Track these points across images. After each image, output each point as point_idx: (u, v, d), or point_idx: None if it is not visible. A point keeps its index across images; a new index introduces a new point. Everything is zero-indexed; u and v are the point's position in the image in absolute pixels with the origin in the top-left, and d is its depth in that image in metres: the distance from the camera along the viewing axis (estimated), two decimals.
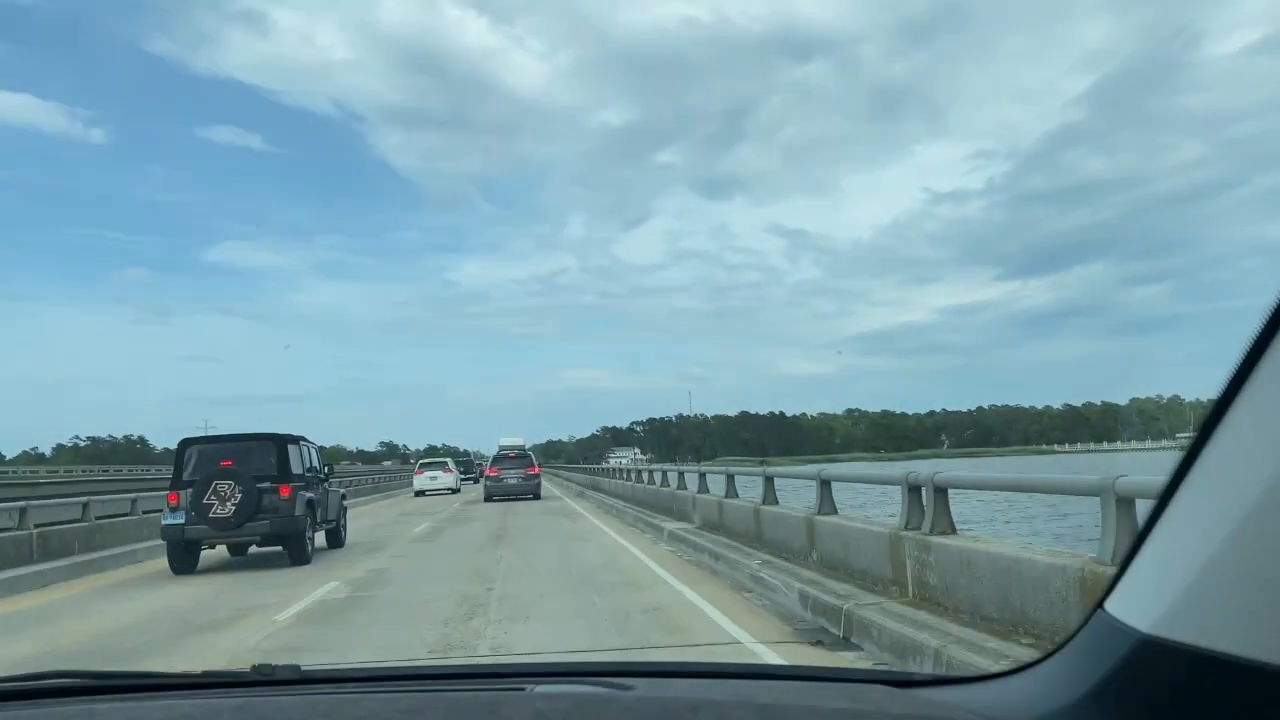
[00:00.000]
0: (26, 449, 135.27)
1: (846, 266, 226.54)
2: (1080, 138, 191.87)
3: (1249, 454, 0.87)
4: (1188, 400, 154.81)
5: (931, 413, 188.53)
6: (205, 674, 1.64)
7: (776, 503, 12.16)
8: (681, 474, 19.94)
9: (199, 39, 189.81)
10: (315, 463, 16.24)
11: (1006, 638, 5.00)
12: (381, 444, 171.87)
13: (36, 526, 14.48)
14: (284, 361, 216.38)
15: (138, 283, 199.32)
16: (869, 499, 25.47)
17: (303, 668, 1.60)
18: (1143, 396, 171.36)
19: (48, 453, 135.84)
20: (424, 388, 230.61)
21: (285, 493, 14.29)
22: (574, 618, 8.46)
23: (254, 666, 1.58)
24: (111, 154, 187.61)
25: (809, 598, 7.60)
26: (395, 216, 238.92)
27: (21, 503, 14.74)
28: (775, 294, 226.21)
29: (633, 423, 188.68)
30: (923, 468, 7.24)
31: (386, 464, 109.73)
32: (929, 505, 6.24)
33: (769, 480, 12.70)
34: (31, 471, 55.13)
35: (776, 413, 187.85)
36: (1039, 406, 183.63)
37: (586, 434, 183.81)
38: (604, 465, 55.06)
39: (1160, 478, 4.50)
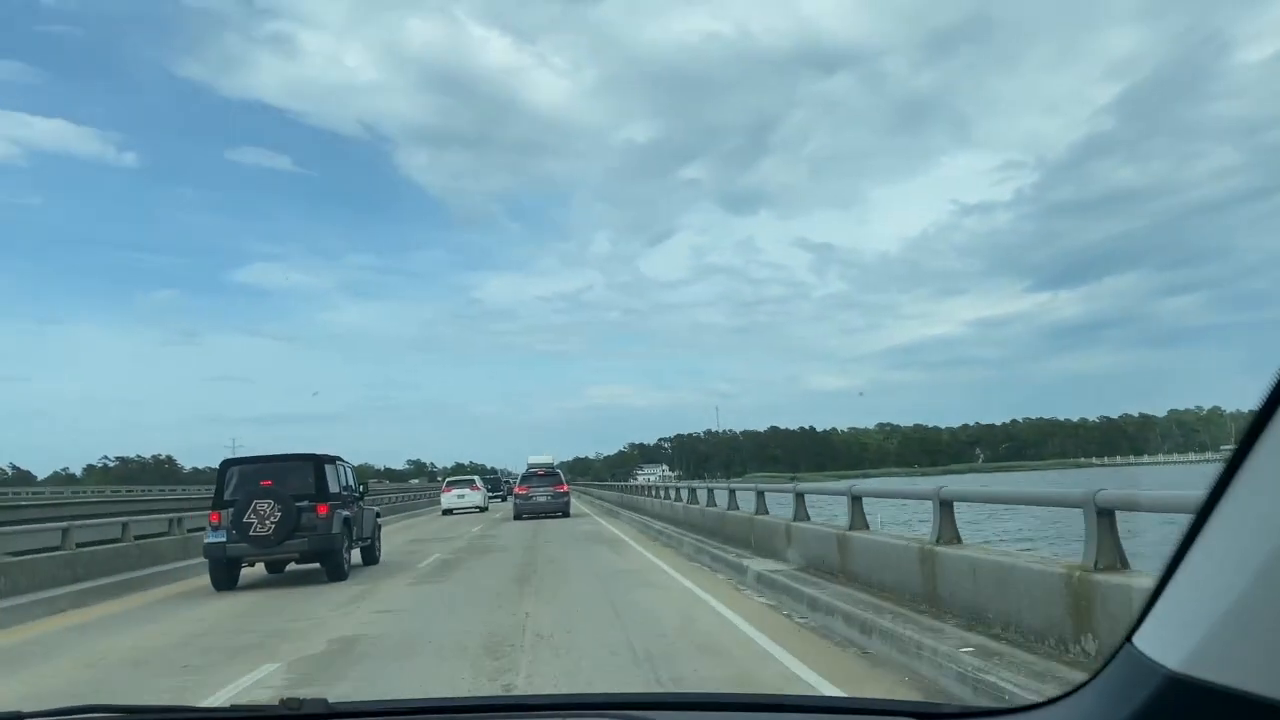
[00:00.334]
0: (57, 469, 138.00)
1: (874, 280, 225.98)
2: (1109, 147, 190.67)
3: None
4: (1229, 411, 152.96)
5: (965, 426, 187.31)
6: (233, 708, 1.74)
7: (864, 528, 9.60)
8: (732, 492, 17.88)
9: (228, 62, 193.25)
10: (351, 482, 16.82)
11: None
12: (409, 462, 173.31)
13: (79, 546, 15.20)
14: (312, 381, 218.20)
15: (168, 304, 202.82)
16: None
17: (330, 701, 1.61)
18: (1181, 408, 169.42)
19: (78, 473, 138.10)
20: (450, 405, 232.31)
21: (323, 511, 14.83)
22: None
23: (282, 700, 1.61)
24: (143, 177, 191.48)
25: None
26: (422, 235, 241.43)
27: (65, 523, 15.42)
28: (802, 308, 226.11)
29: (660, 439, 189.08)
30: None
31: (414, 482, 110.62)
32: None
33: (856, 502, 9.92)
34: (56, 493, 56.25)
35: (807, 427, 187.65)
36: (1074, 419, 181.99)
37: (613, 451, 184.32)
38: (632, 482, 55.24)
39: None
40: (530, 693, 6.44)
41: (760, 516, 14.52)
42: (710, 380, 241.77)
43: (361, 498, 17.26)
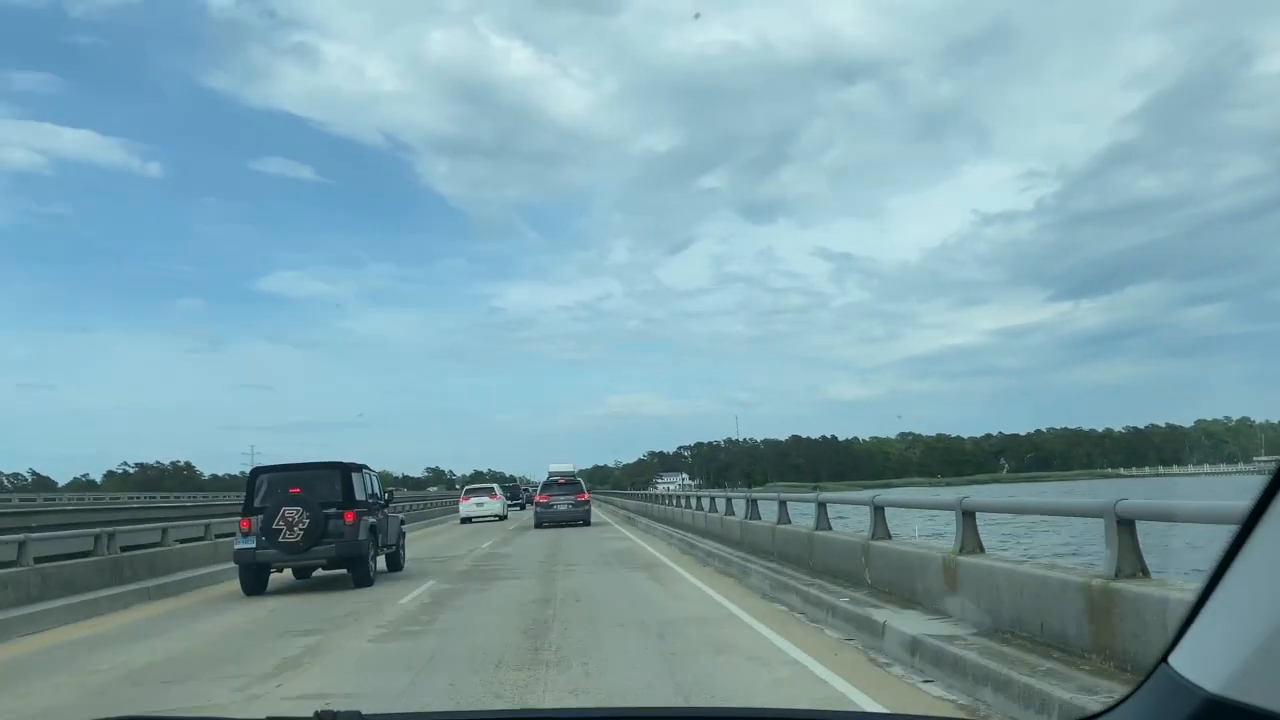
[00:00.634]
0: (77, 476, 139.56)
1: (894, 289, 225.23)
2: (1132, 156, 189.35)
3: None
4: (1258, 422, 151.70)
5: (988, 436, 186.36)
6: (269, 719, 1.78)
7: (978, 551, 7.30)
8: (783, 503, 15.44)
9: (252, 73, 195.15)
10: (376, 489, 17.20)
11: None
12: (428, 469, 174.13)
13: (123, 550, 15.72)
14: (332, 389, 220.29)
15: (192, 312, 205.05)
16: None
17: (364, 713, 1.63)
18: (1208, 418, 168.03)
19: (99, 479, 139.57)
20: (470, 414, 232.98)
21: (350, 518, 15.19)
22: None
23: (316, 713, 1.63)
24: (168, 187, 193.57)
25: None
26: (442, 244, 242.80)
27: (106, 529, 15.87)
28: (821, 317, 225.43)
29: (680, 447, 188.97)
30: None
31: (431, 490, 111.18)
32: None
33: (969, 518, 7.47)
34: (78, 498, 57.07)
35: (828, 436, 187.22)
36: (1099, 429, 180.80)
37: (633, 459, 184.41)
38: (652, 491, 55.27)
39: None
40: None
41: (822, 533, 12.25)
42: (729, 389, 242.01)
43: (386, 505, 17.58)
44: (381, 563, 17.10)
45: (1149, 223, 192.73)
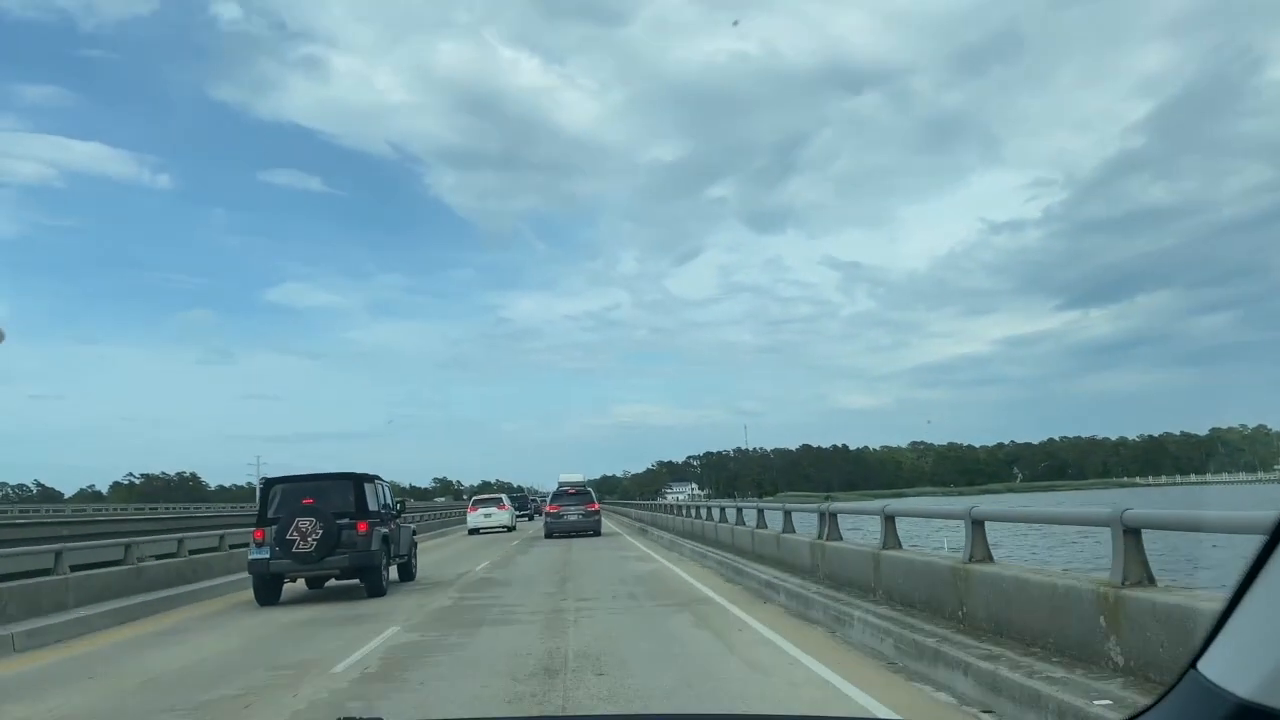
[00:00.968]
0: (83, 487, 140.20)
1: (902, 298, 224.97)
2: (1140, 164, 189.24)
3: None
4: (1275, 430, 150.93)
5: (1000, 445, 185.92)
6: None
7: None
8: (831, 516, 12.77)
9: (261, 85, 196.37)
10: (388, 500, 17.42)
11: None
12: (435, 480, 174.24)
13: (140, 560, 16.04)
14: (340, 399, 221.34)
15: (200, 323, 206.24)
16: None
17: (385, 719, 1.60)
18: (1224, 426, 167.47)
19: (104, 490, 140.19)
20: (477, 424, 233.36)
21: (362, 529, 15.40)
22: None
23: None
24: (177, 199, 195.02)
25: None
26: (450, 255, 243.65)
27: (128, 539, 16.21)
28: (830, 327, 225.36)
29: (689, 457, 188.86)
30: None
31: (439, 500, 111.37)
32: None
33: (1133, 536, 5.76)
34: (78, 509, 57.51)
35: (839, 446, 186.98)
36: (1113, 438, 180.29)
37: (641, 469, 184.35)
38: (661, 501, 55.04)
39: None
40: None
41: (891, 552, 9.70)
42: (737, 399, 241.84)
43: (399, 515, 17.78)
44: (394, 572, 17.29)
45: (1158, 231, 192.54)
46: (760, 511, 18.52)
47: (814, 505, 15.25)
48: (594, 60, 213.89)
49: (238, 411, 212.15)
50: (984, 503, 8.18)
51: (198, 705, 7.73)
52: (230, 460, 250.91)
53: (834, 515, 12.49)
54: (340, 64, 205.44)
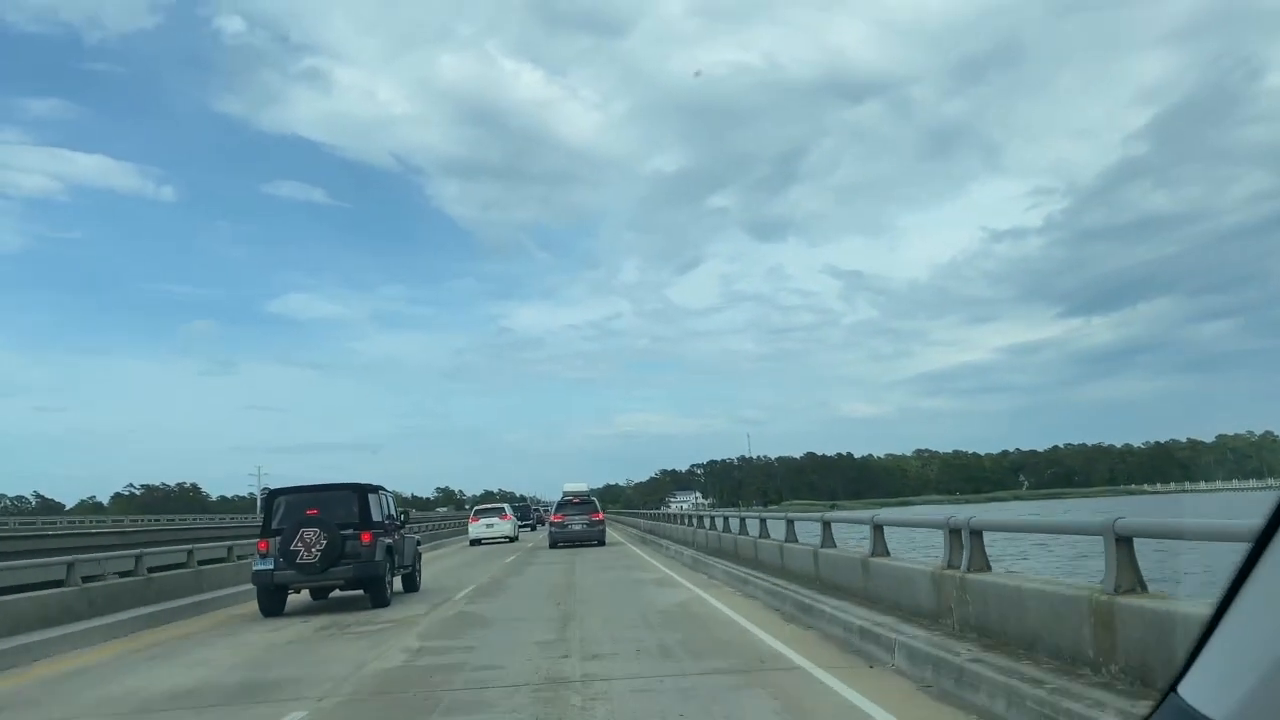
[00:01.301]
0: (84, 498, 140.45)
1: (904, 307, 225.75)
2: (1141, 172, 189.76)
3: None
4: None
5: (1005, 453, 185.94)
6: None
7: None
8: (872, 528, 11.00)
9: (265, 98, 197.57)
10: (392, 510, 17.51)
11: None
12: (438, 490, 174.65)
13: (151, 571, 16.33)
14: (342, 410, 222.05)
15: (204, 334, 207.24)
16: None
17: None
18: (1231, 433, 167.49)
19: (105, 501, 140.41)
20: (480, 434, 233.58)
21: (367, 539, 15.42)
22: None
23: None
24: (181, 211, 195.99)
25: None
26: (452, 265, 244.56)
27: (138, 550, 16.43)
28: (831, 335, 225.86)
29: (693, 465, 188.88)
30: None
31: (440, 510, 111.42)
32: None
33: None
34: (78, 521, 57.66)
35: (844, 454, 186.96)
36: (1118, 445, 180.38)
37: (644, 478, 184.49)
38: (665, 510, 54.81)
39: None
40: None
41: (978, 576, 7.77)
42: (740, 407, 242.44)
43: (403, 526, 17.88)
44: (398, 583, 17.36)
45: (1159, 238, 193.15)
46: (830, 527, 13.81)
47: (938, 520, 9.49)
48: (595, 71, 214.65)
49: (242, 423, 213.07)
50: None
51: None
52: (232, 471, 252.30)
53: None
54: (343, 76, 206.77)
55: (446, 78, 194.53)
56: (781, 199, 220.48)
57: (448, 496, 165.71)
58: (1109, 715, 4.54)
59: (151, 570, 16.41)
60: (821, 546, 13.12)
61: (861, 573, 10.92)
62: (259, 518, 21.74)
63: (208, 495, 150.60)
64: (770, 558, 16.37)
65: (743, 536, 19.23)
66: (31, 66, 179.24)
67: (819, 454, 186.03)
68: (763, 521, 17.21)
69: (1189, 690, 1.00)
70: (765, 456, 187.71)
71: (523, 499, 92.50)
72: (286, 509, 15.81)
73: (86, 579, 14.41)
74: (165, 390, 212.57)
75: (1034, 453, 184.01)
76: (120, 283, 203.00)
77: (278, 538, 15.27)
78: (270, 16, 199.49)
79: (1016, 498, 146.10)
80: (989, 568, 7.79)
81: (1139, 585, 5.22)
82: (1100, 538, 5.43)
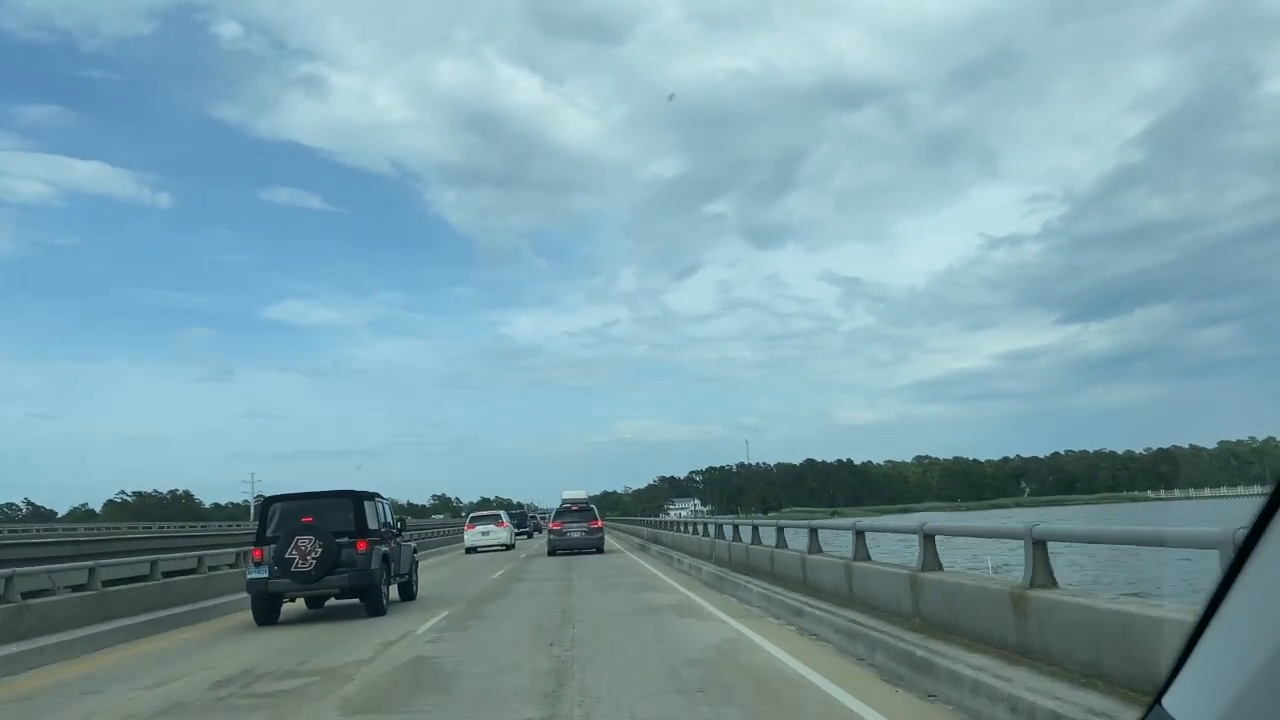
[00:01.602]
0: (76, 505, 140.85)
1: (901, 313, 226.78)
2: (1139, 178, 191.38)
3: None
4: None
5: (1007, 459, 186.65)
6: None
7: None
8: (920, 537, 8.85)
9: (261, 104, 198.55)
10: (389, 518, 17.58)
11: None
12: (434, 497, 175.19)
13: (165, 576, 17.03)
14: (339, 417, 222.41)
15: (200, 341, 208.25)
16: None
17: None
18: (1233, 439, 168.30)
19: (98, 509, 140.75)
20: (477, 441, 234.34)
21: (362, 547, 15.54)
22: None
23: None
24: (178, 217, 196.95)
25: None
26: (450, 272, 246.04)
27: (154, 556, 16.98)
28: (829, 342, 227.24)
29: (691, 472, 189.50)
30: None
31: (436, 518, 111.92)
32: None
33: None
34: (68, 528, 57.93)
35: (844, 460, 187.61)
36: (1119, 451, 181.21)
37: (642, 484, 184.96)
38: (664, 518, 54.65)
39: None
40: None
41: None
42: (738, 414, 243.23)
43: (399, 534, 17.99)
44: (394, 592, 17.44)
45: (1157, 245, 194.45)
46: (931, 542, 9.76)
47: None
48: (593, 78, 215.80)
49: (238, 430, 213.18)
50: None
51: None
52: (228, 478, 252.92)
53: (931, 539, 7.90)
54: (340, 82, 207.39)
55: (444, 84, 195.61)
56: (779, 205, 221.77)
57: (444, 504, 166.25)
58: None
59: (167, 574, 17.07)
60: (923, 570, 8.90)
61: (1014, 614, 6.74)
62: (253, 525, 22.15)
63: (201, 502, 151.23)
64: (835, 582, 12.15)
65: (783, 550, 15.65)
66: (28, 73, 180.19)
67: (818, 460, 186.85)
68: (813, 533, 14.12)
69: (1173, 703, 1.01)
70: (764, 463, 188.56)
71: (520, 506, 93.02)
72: (281, 516, 15.88)
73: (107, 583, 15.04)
74: (161, 397, 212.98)
75: (1035, 459, 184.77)
76: (116, 289, 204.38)
77: (272, 545, 15.34)
78: (267, 22, 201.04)
79: (1018, 504, 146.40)
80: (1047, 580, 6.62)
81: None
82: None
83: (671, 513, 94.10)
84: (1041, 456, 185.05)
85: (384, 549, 16.35)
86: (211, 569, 19.87)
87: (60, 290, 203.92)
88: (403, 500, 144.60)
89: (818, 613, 10.87)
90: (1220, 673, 0.92)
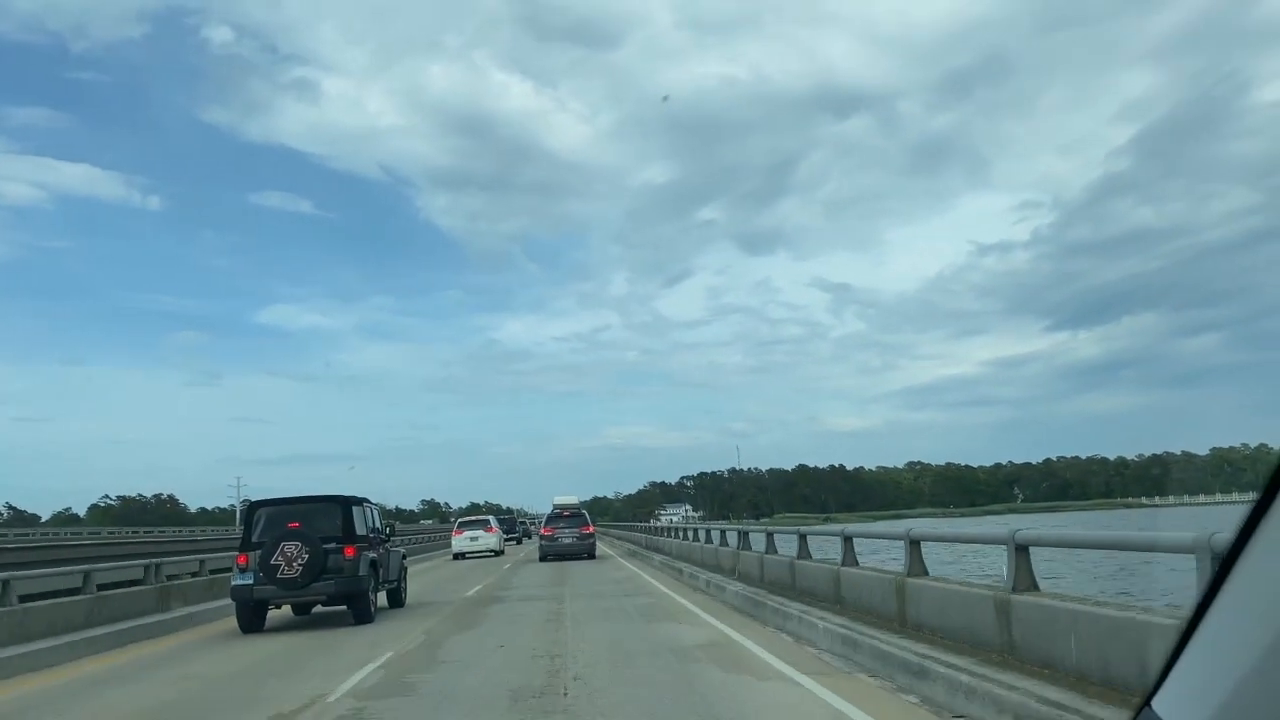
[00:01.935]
0: (59, 510, 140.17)
1: (891, 320, 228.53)
2: (1126, 187, 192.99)
3: None
4: (1277, 448, 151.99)
5: (999, 465, 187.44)
6: None
7: None
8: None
9: (252, 108, 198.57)
10: (377, 523, 17.47)
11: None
12: (423, 502, 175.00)
13: (169, 578, 17.12)
14: (328, 421, 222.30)
15: (189, 345, 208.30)
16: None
17: None
18: (1225, 446, 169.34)
19: (82, 513, 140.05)
20: (466, 446, 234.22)
21: (350, 553, 15.39)
22: None
23: None
24: (167, 221, 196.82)
25: None
26: (440, 277, 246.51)
27: (154, 559, 17.02)
28: (820, 348, 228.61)
29: (683, 477, 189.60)
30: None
31: (425, 523, 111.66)
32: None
33: None
34: (53, 533, 57.74)
35: (836, 466, 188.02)
36: (1111, 458, 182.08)
37: (633, 490, 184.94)
38: (655, 524, 54.25)
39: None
40: None
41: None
42: (728, 419, 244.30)
43: (388, 540, 17.89)
44: (382, 599, 17.30)
45: (1144, 253, 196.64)
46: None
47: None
48: (585, 84, 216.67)
49: (226, 434, 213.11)
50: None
51: None
52: (215, 483, 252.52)
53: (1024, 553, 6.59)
54: (331, 87, 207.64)
55: (435, 88, 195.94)
56: (770, 212, 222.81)
57: (433, 509, 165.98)
58: None
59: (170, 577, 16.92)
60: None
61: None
62: (239, 530, 22.11)
63: (186, 507, 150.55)
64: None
65: (853, 570, 11.16)
66: (17, 75, 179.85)
67: (810, 466, 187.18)
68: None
69: (1162, 705, 1.02)
70: (755, 468, 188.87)
71: (509, 511, 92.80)
72: (267, 521, 15.66)
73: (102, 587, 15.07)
74: (149, 401, 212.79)
75: (1028, 465, 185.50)
76: (105, 293, 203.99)
77: (258, 551, 15.12)
78: (259, 27, 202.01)
79: (1011, 510, 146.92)
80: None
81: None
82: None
83: (662, 518, 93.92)
84: (1034, 463, 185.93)
85: (372, 555, 16.26)
86: (170, 579, 17.99)
87: (48, 293, 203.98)
88: (391, 505, 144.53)
89: (946, 671, 6.81)
90: (1209, 674, 0.93)
